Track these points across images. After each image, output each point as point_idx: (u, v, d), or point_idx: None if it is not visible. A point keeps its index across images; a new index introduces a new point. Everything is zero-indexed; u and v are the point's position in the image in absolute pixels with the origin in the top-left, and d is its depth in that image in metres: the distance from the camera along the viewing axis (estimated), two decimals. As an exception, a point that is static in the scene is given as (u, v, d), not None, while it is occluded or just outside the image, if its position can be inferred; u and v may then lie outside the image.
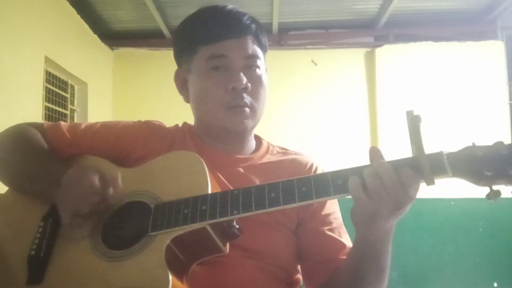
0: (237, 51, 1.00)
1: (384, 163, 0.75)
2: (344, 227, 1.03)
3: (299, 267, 1.04)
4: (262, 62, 1.04)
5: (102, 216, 0.88)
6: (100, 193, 0.86)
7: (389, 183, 0.73)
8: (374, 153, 0.78)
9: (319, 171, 1.06)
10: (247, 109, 1.00)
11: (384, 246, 0.84)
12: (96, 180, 0.87)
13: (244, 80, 0.98)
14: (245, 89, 0.99)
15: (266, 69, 1.10)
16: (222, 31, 1.00)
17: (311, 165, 1.07)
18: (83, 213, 0.85)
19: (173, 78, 1.10)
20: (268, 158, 1.08)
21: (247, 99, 1.00)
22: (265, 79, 1.05)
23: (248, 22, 1.02)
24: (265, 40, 1.06)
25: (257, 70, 1.03)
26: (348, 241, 1.00)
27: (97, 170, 0.89)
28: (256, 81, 1.02)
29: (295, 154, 1.11)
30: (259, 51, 1.03)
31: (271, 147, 1.12)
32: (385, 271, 0.89)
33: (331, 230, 1.01)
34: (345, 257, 0.96)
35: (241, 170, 1.03)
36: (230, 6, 1.04)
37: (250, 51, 1.01)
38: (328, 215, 1.02)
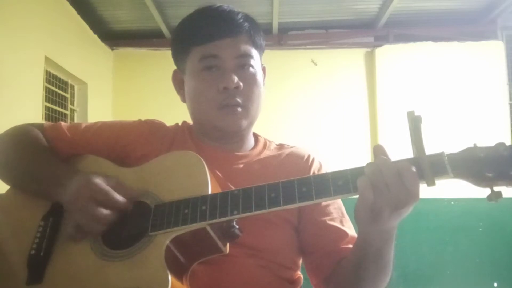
0: (228, 51, 0.99)
1: (384, 158, 0.76)
2: (346, 217, 1.03)
3: (300, 263, 1.04)
4: (256, 61, 1.04)
5: None
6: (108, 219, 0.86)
7: (389, 178, 0.73)
8: (378, 150, 0.78)
9: (315, 162, 1.08)
10: (239, 109, 1.00)
11: (385, 245, 0.84)
12: (106, 206, 0.86)
13: (235, 79, 0.98)
14: (236, 88, 0.98)
15: (264, 68, 1.10)
16: (213, 31, 1.00)
17: (308, 156, 1.08)
18: (88, 232, 0.86)
19: (171, 79, 1.11)
20: (266, 154, 1.08)
21: (239, 98, 0.99)
22: (259, 77, 1.04)
23: (241, 21, 1.02)
24: (259, 39, 1.05)
25: (250, 69, 1.02)
26: (350, 229, 1.00)
27: (108, 188, 0.88)
28: (249, 80, 1.01)
29: (291, 147, 1.12)
30: (252, 50, 1.03)
31: (268, 143, 1.13)
32: (385, 270, 0.89)
33: (332, 220, 1.00)
34: (347, 246, 0.96)
35: (240, 166, 1.03)
36: (224, 6, 1.04)
37: (242, 50, 1.01)
38: (328, 205, 1.02)
